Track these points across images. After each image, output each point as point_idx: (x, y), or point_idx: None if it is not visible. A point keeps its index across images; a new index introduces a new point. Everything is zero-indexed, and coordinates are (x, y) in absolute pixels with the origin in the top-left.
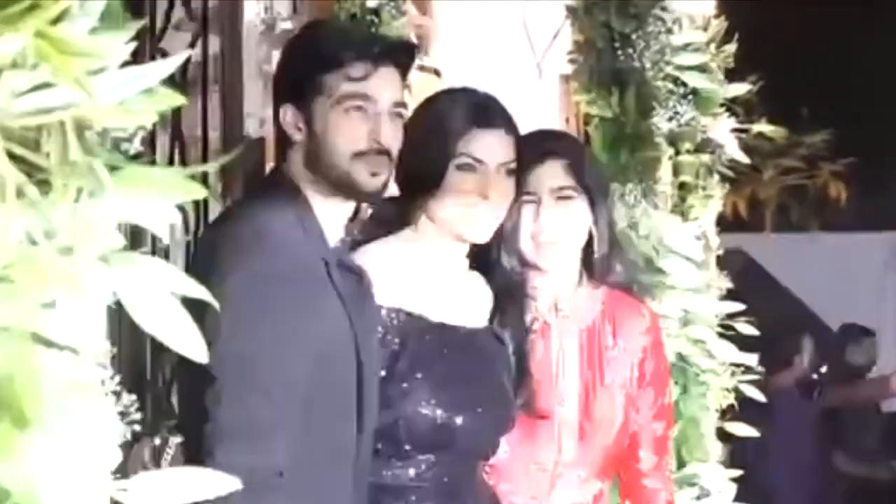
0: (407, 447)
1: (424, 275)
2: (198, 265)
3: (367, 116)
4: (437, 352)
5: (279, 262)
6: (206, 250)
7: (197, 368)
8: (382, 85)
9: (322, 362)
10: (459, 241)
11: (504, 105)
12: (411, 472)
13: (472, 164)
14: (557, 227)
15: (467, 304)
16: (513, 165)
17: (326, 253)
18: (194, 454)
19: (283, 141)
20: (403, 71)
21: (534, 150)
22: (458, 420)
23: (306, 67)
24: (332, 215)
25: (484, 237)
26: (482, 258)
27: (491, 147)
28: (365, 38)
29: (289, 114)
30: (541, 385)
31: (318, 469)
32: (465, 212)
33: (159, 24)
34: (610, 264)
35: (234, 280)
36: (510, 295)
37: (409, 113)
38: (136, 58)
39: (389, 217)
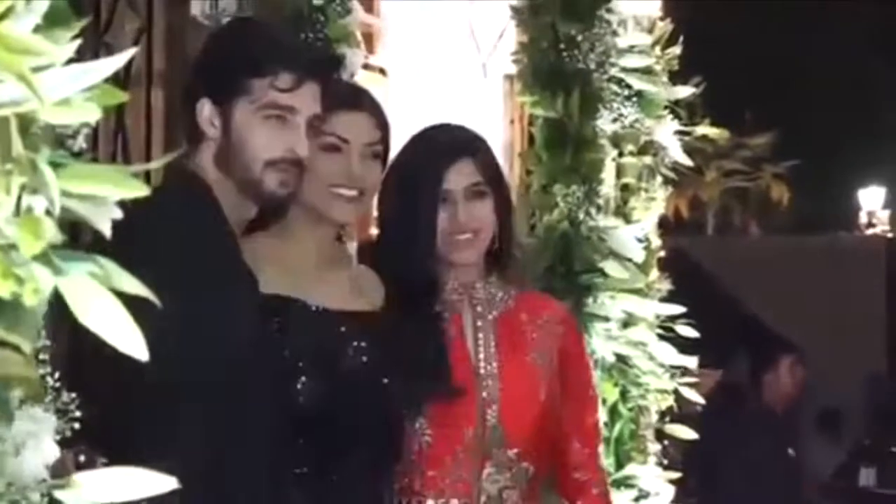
0: (299, 440)
1: (298, 263)
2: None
3: (286, 126)
4: (318, 337)
5: (189, 257)
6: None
7: (118, 367)
8: (306, 98)
9: (231, 357)
10: (328, 225)
11: (370, 91)
12: (307, 466)
13: (337, 144)
14: (472, 223)
15: (350, 289)
16: (379, 148)
17: (234, 248)
18: (118, 455)
19: (193, 133)
20: (325, 84)
21: (445, 149)
22: (344, 408)
23: (233, 68)
24: (236, 213)
25: (352, 217)
26: (384, 252)
27: (355, 127)
28: (296, 49)
29: (206, 109)
30: (457, 366)
31: (230, 461)
32: (332, 192)
33: (104, 17)
34: (511, 258)
35: (144, 277)
36: (411, 284)
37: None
38: (80, 52)
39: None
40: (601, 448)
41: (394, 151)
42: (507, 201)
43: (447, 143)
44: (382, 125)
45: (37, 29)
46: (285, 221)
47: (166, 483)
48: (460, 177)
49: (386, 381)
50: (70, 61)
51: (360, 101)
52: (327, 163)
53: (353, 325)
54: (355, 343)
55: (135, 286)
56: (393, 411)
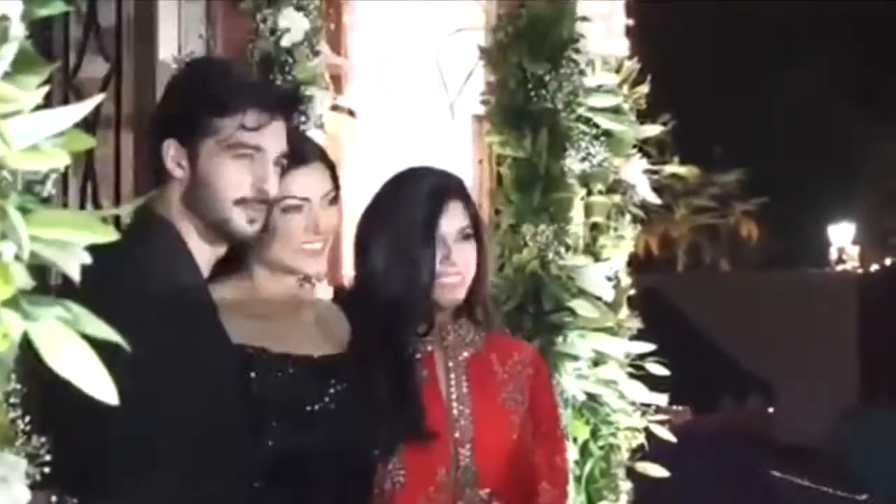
0: (265, 483)
1: (263, 310)
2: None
3: (253, 165)
4: (286, 385)
5: (159, 300)
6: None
7: (87, 411)
8: (273, 136)
9: (200, 402)
10: (294, 275)
11: (312, 139)
12: None
13: (298, 205)
14: (462, 265)
15: (316, 332)
16: (334, 194)
17: (204, 289)
18: (89, 498)
19: (159, 175)
20: (289, 122)
21: (438, 191)
22: (309, 452)
23: (199, 108)
24: (204, 253)
25: (322, 267)
26: (369, 293)
27: (312, 182)
28: (261, 87)
29: (172, 150)
30: (429, 407)
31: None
32: (300, 250)
33: (72, 61)
34: (485, 301)
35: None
36: (399, 325)
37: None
38: (49, 96)
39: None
40: (570, 488)
41: (352, 189)
42: (485, 245)
43: (439, 186)
44: (333, 169)
45: (5, 76)
46: (249, 270)
47: None
48: (453, 219)
49: (356, 425)
50: (38, 106)
51: (311, 154)
52: (292, 224)
53: (322, 371)
54: (324, 389)
55: (104, 331)
56: (363, 455)
